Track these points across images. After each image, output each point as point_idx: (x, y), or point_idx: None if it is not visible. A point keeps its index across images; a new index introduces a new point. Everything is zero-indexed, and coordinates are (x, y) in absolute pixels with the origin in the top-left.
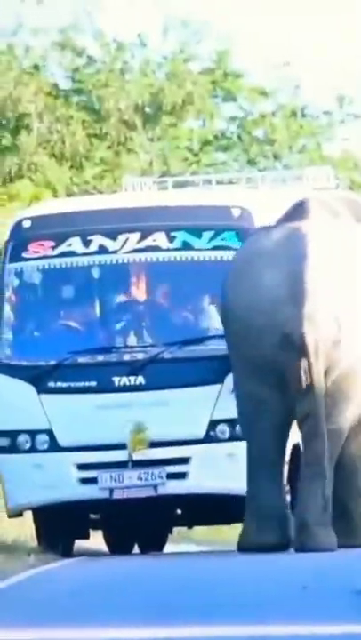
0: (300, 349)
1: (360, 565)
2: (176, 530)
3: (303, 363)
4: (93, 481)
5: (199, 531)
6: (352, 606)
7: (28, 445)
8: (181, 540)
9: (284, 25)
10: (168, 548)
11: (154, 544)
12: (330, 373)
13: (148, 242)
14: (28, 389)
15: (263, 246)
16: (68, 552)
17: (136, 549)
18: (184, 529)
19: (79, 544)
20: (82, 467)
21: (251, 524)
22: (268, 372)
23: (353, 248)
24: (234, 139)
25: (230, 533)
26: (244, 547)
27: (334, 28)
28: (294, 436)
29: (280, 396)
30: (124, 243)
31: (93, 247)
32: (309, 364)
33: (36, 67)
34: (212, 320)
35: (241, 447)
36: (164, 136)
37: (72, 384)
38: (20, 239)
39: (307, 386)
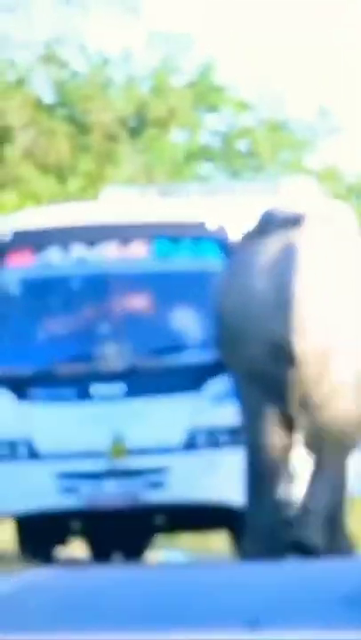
0: (290, 359)
1: (342, 573)
2: (160, 536)
3: (293, 373)
4: (73, 490)
5: (183, 537)
6: (334, 615)
7: (7, 454)
8: (165, 547)
9: (267, 39)
10: (150, 555)
11: (134, 552)
12: (319, 384)
13: (127, 253)
14: (9, 397)
15: (255, 254)
16: (47, 560)
17: (117, 558)
18: (168, 535)
19: (58, 552)
20: (62, 476)
21: (247, 541)
22: (261, 382)
23: (352, 257)
24: (217, 151)
25: (215, 540)
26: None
27: (317, 43)
28: None
29: (275, 406)
30: (104, 253)
31: (73, 257)
32: (299, 374)
33: (21, 80)
34: (191, 329)
35: (220, 456)
36: (148, 148)
37: (52, 393)
38: (0, 250)
39: (302, 398)
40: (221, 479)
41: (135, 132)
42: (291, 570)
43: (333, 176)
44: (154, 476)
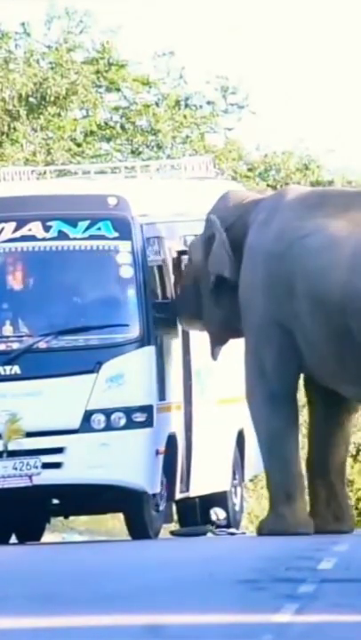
0: None
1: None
2: (59, 520)
3: None
4: None
5: (81, 520)
6: (229, 596)
7: None
8: (63, 530)
9: (168, 14)
10: (49, 537)
11: (31, 534)
12: None
13: (24, 231)
14: None
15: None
16: None
17: (13, 539)
18: (68, 518)
19: None
20: None
21: None
22: None
23: None
24: (117, 129)
25: (112, 523)
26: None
27: (219, 19)
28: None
29: None
30: (0, 232)
31: None
32: None
33: None
34: (88, 310)
35: (115, 437)
36: (48, 126)
37: None
38: None
39: None
40: (115, 460)
41: (35, 109)
42: (207, 549)
43: (235, 154)
44: (49, 457)
